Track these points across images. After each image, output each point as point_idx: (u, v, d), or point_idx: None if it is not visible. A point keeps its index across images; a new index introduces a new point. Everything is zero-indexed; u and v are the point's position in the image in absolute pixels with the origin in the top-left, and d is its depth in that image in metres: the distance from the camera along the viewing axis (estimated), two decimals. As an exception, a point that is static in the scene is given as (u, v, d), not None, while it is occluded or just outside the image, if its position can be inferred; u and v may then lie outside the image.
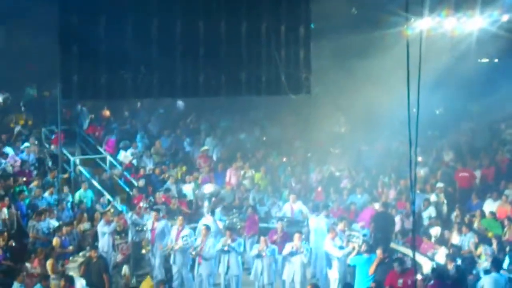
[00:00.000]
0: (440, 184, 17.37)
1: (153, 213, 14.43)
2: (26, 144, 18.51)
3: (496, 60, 22.58)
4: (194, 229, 14.55)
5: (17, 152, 18.19)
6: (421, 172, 18.20)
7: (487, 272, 11.64)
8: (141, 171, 18.75)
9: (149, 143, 21.14)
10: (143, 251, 14.35)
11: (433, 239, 14.59)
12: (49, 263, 12.49)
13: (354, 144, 21.32)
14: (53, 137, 19.36)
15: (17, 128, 19.77)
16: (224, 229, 14.36)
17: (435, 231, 15.11)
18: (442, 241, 14.53)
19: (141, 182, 17.86)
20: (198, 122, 23.33)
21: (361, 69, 19.52)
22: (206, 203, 16.54)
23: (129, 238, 14.84)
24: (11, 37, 20.11)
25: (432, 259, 13.46)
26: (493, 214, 15.39)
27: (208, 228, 13.63)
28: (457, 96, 21.31)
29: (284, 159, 20.54)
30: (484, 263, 12.68)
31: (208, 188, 16.83)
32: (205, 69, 15.20)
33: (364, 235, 14.26)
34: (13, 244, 13.96)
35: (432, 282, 11.16)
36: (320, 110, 21.52)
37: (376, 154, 20.84)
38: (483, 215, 15.40)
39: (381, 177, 18.89)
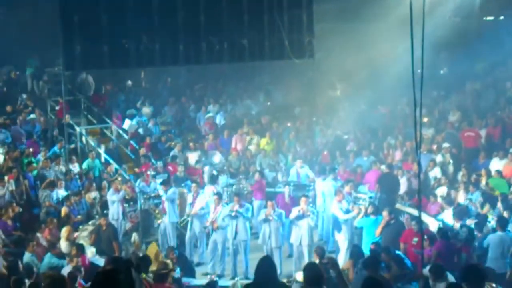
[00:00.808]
0: (445, 144, 17.36)
1: (161, 186, 14.49)
2: (32, 115, 18.55)
3: (501, 18, 22.29)
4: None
5: (23, 123, 18.24)
6: (427, 133, 18.18)
7: (493, 231, 11.70)
8: (147, 139, 18.81)
9: (154, 111, 21.15)
10: (158, 221, 14.46)
11: (439, 199, 14.66)
12: (65, 229, 12.63)
13: (359, 107, 21.28)
14: (57, 108, 19.37)
15: (22, 100, 19.79)
16: (231, 195, 14.49)
17: (441, 191, 15.17)
18: (448, 201, 14.59)
19: (143, 150, 17.94)
20: (203, 89, 23.29)
21: (364, 31, 19.34)
22: (206, 169, 16.72)
23: (138, 206, 14.98)
24: (12, 9, 19.97)
25: (438, 219, 13.55)
26: (499, 172, 15.41)
27: (220, 196, 13.74)
28: (462, 55, 21.12)
29: (289, 124, 20.55)
30: (492, 221, 12.74)
31: (216, 159, 16.95)
32: (207, 36, 15.15)
33: (370, 198, 14.35)
34: (23, 214, 14.11)
35: (437, 241, 11.22)
36: (324, 74, 21.44)
37: (381, 116, 20.82)
38: (489, 174, 15.43)
39: (388, 138, 18.90)
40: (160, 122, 20.56)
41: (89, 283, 9.61)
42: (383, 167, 16.22)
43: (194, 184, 14.69)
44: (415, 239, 11.51)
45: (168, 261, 10.53)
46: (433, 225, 13.03)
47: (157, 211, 14.65)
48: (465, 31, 20.83)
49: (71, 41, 13.88)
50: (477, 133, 18.17)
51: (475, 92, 21.11)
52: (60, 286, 7.32)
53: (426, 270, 9.18)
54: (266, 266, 6.82)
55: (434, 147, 17.66)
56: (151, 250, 12.52)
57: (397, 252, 10.92)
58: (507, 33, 19.96)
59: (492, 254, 11.01)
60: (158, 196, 14.56)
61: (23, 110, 19.06)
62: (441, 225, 12.86)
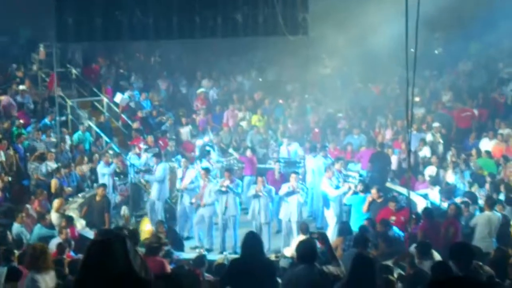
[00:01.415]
0: (436, 124, 17.43)
1: (153, 159, 14.49)
2: (22, 86, 18.41)
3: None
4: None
5: (13, 94, 18.11)
6: (418, 112, 18.25)
7: (480, 210, 11.81)
8: (138, 113, 18.75)
9: (146, 86, 21.06)
10: (150, 196, 14.49)
11: (428, 179, 14.75)
12: (57, 201, 12.65)
13: (351, 85, 21.29)
14: (48, 80, 19.24)
15: (13, 71, 19.62)
16: (222, 170, 14.52)
17: (430, 170, 15.27)
18: (437, 180, 14.70)
19: (137, 124, 17.91)
20: (195, 64, 23.18)
21: (359, 9, 19.25)
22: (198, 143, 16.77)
23: (129, 180, 14.99)
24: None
25: (426, 198, 13.66)
26: (488, 153, 15.51)
27: (207, 171, 13.75)
28: (455, 35, 21.11)
29: (281, 101, 20.54)
30: (479, 201, 12.84)
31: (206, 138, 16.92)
32: (201, 10, 15.06)
33: (361, 175, 14.43)
34: (13, 186, 14.10)
35: (422, 221, 11.32)
36: (317, 52, 21.36)
37: (373, 95, 20.84)
38: (478, 154, 15.53)
39: (378, 117, 18.95)
40: (151, 96, 20.45)
41: (80, 254, 9.68)
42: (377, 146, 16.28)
43: (183, 159, 14.62)
44: (393, 218, 11.60)
45: (161, 235, 10.62)
46: (421, 204, 13.13)
47: (146, 185, 14.67)
48: (459, 11, 20.77)
49: (63, 13, 13.79)
50: (473, 113, 18.24)
51: (467, 72, 21.15)
52: (42, 257, 7.40)
53: (412, 249, 9.26)
54: (251, 241, 6.88)
55: (424, 126, 17.72)
56: (144, 225, 12.58)
57: (394, 228, 11.02)
58: (502, 13, 19.91)
59: (479, 233, 11.10)
60: (149, 170, 14.52)
61: (14, 81, 18.91)
62: (428, 204, 12.97)
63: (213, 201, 13.32)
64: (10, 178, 14.12)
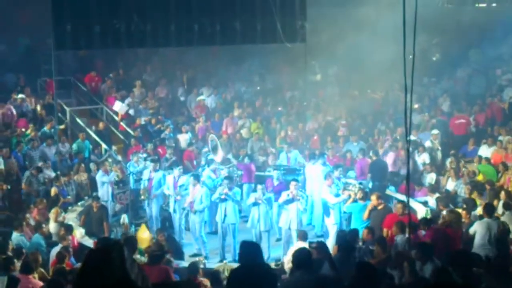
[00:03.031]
0: (435, 131, 17.45)
1: (151, 164, 14.49)
2: (21, 95, 18.41)
3: (494, 5, 22.32)
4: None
5: (12, 103, 18.11)
6: (417, 119, 18.28)
7: (480, 217, 11.78)
8: (137, 121, 18.75)
9: (145, 93, 21.04)
10: (142, 197, 14.50)
11: (427, 185, 14.75)
12: (53, 211, 12.65)
13: (350, 92, 21.32)
14: (47, 87, 19.24)
15: (12, 80, 19.62)
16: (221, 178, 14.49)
17: (430, 177, 15.27)
18: (437, 187, 14.68)
19: (137, 132, 17.90)
20: (194, 72, 23.19)
21: (358, 16, 19.31)
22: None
23: (129, 188, 14.97)
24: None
25: (426, 205, 13.64)
26: (487, 159, 15.51)
27: (196, 178, 13.71)
28: (454, 42, 21.17)
29: (280, 108, 20.56)
30: (478, 208, 12.83)
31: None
32: (199, 18, 15.07)
33: (360, 183, 14.41)
34: (12, 194, 14.09)
35: (429, 230, 11.27)
36: (316, 59, 21.41)
37: (372, 102, 20.86)
38: (480, 161, 15.54)
39: (378, 124, 18.97)
40: (149, 105, 20.38)
41: (80, 263, 9.65)
42: (371, 154, 16.28)
43: (176, 170, 14.39)
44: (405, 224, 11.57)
45: (163, 243, 10.59)
46: (420, 212, 13.11)
47: (142, 190, 14.61)
48: (458, 18, 20.85)
49: (61, 21, 13.78)
50: (468, 120, 18.25)
51: (466, 78, 21.19)
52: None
53: (412, 253, 9.21)
54: (248, 250, 6.84)
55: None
56: (142, 232, 12.55)
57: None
58: (500, 20, 19.99)
59: (478, 240, 11.07)
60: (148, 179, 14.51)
61: (14, 89, 18.91)
62: (428, 212, 12.94)
63: (204, 207, 13.30)
64: (9, 186, 14.09)
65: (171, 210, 14.20)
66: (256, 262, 6.73)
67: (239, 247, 7.02)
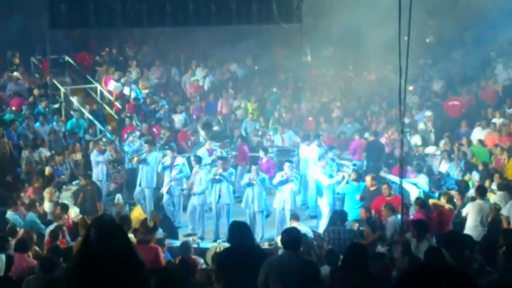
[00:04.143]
0: (428, 113, 17.49)
1: (145, 145, 14.46)
2: (16, 73, 18.33)
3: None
4: (188, 158, 14.60)
5: (7, 81, 18.03)
6: (411, 101, 18.31)
7: (472, 199, 11.87)
8: (132, 101, 18.70)
9: (140, 73, 20.97)
10: (133, 160, 14.41)
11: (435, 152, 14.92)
12: (47, 191, 12.66)
13: (344, 73, 21.30)
14: (41, 66, 19.14)
15: (9, 58, 19.49)
16: (215, 159, 14.51)
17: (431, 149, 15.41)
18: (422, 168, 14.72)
19: (130, 112, 17.85)
20: (189, 52, 23.11)
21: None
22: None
23: (124, 167, 14.97)
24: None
25: (419, 186, 13.71)
26: (481, 142, 15.58)
27: (198, 159, 13.74)
28: (449, 24, 21.12)
29: (275, 89, 20.54)
30: (471, 190, 12.92)
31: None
32: (195, -3, 14.98)
33: (354, 165, 14.48)
34: (6, 173, 14.07)
35: (417, 212, 11.37)
36: (311, 40, 21.33)
37: (367, 83, 20.85)
38: (469, 143, 15.61)
39: (372, 106, 18.99)
40: (140, 85, 20.26)
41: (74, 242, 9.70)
42: (367, 135, 16.34)
43: (169, 150, 14.30)
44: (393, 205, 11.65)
45: (154, 223, 10.64)
46: (413, 193, 13.18)
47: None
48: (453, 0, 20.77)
49: (56, -1, 13.70)
50: (462, 102, 18.29)
51: (461, 60, 21.18)
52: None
53: (407, 235, 9.29)
54: (238, 230, 6.89)
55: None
56: (136, 212, 12.60)
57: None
58: (495, 2, 19.92)
59: (471, 222, 11.17)
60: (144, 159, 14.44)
61: (9, 68, 18.81)
62: (421, 193, 13.02)
63: (204, 189, 13.34)
64: (2, 167, 14.06)
65: (164, 191, 14.13)
66: (245, 243, 6.78)
67: (229, 227, 7.08)
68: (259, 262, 6.50)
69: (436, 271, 2.54)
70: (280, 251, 10.24)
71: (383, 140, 16.15)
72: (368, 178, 12.56)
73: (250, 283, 6.27)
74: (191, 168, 13.91)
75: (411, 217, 11.20)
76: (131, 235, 9.75)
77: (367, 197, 12.32)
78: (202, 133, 16.50)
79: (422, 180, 13.55)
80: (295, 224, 10.81)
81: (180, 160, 13.98)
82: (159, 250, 8.26)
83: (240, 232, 6.85)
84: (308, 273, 6.16)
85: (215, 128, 15.91)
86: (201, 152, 14.86)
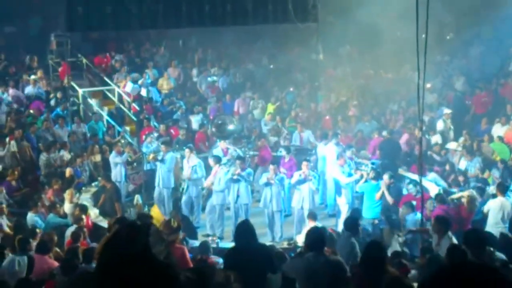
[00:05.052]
0: (447, 110, 17.36)
1: (162, 146, 14.51)
2: (34, 76, 18.49)
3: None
4: (205, 158, 14.63)
5: (25, 85, 18.20)
6: (430, 98, 18.18)
7: (493, 196, 11.77)
8: (149, 102, 18.78)
9: (157, 74, 21.06)
10: (149, 158, 14.46)
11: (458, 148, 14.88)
12: (68, 192, 12.75)
13: (362, 71, 21.21)
14: (60, 69, 19.30)
15: (26, 61, 19.68)
16: (234, 159, 14.52)
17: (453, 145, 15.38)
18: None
19: (148, 113, 17.93)
20: (206, 52, 23.16)
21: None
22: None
23: (143, 168, 15.03)
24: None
25: (438, 184, 13.64)
26: (501, 138, 15.44)
27: (217, 159, 13.76)
28: (467, 20, 20.95)
29: (292, 89, 20.51)
30: (492, 187, 12.81)
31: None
32: (210, -2, 14.97)
33: (373, 163, 14.42)
34: (26, 176, 14.22)
35: (436, 207, 11.33)
36: (327, 39, 21.26)
37: (384, 82, 20.75)
38: (491, 139, 15.48)
39: (390, 105, 18.89)
40: (160, 85, 20.38)
41: (94, 243, 9.75)
42: (384, 133, 16.26)
43: (187, 149, 14.25)
44: (414, 202, 11.63)
45: (176, 224, 10.63)
46: (433, 191, 13.11)
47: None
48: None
49: (73, 2, 13.75)
50: (490, 98, 18.21)
51: (479, 57, 21.01)
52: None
53: (431, 230, 9.20)
54: (242, 230, 6.89)
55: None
56: (153, 212, 12.63)
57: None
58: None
59: (492, 219, 11.08)
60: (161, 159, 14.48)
61: (27, 71, 18.98)
62: (441, 190, 12.95)
63: (223, 188, 13.35)
64: (23, 169, 14.20)
65: (183, 193, 14.15)
66: (249, 241, 6.78)
67: (236, 227, 7.09)
68: (264, 259, 6.51)
69: (471, 270, 2.49)
70: (299, 250, 10.31)
71: (404, 137, 16.04)
72: (385, 177, 12.50)
73: (255, 282, 6.27)
74: (207, 168, 13.94)
75: (430, 213, 11.16)
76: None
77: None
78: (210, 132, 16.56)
79: (433, 178, 13.52)
80: (312, 224, 10.78)
81: (195, 161, 13.98)
82: (185, 251, 8.21)
83: (244, 232, 6.86)
84: (336, 274, 6.15)
85: (230, 127, 15.86)
86: (217, 152, 14.88)
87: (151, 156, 14.35)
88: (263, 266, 6.51)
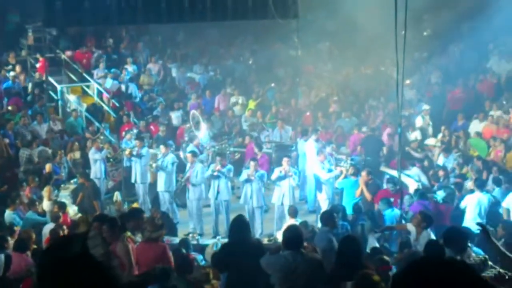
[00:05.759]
0: (425, 106, 17.48)
1: (136, 141, 14.46)
2: (12, 73, 18.28)
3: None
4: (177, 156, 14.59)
5: (2, 80, 17.98)
6: (409, 94, 18.28)
7: (471, 191, 11.87)
8: (128, 99, 18.67)
9: (137, 70, 20.92)
10: (126, 153, 14.43)
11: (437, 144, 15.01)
12: (46, 189, 12.65)
13: (342, 67, 21.26)
14: (38, 65, 19.09)
15: (4, 57, 19.45)
16: (214, 155, 14.50)
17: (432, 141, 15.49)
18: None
19: (128, 109, 17.83)
20: (186, 48, 23.06)
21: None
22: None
23: (122, 165, 14.96)
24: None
25: (419, 180, 13.72)
26: (478, 134, 15.57)
27: (194, 154, 13.73)
28: (445, 17, 21.07)
29: (272, 85, 20.51)
30: (469, 182, 12.92)
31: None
32: (190, -7, 14.89)
33: (352, 159, 14.47)
34: (4, 173, 14.06)
35: (415, 202, 11.41)
36: (307, 35, 21.27)
37: (364, 78, 20.81)
38: (467, 136, 15.62)
39: (370, 100, 18.96)
40: (142, 80, 20.28)
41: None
42: (364, 129, 16.33)
43: (162, 146, 14.25)
44: (391, 199, 11.68)
45: (159, 222, 10.58)
46: (412, 186, 13.19)
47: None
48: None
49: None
50: (464, 94, 18.35)
51: (457, 53, 21.16)
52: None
53: (409, 225, 9.27)
54: (238, 225, 6.89)
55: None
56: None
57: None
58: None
59: (469, 214, 11.18)
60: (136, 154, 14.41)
61: (4, 67, 18.76)
62: (420, 186, 13.04)
63: (200, 182, 13.31)
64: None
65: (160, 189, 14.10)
66: (245, 237, 6.79)
67: (232, 221, 7.09)
68: (258, 255, 6.51)
69: (440, 264, 2.50)
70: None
71: (386, 132, 16.12)
72: (363, 173, 12.55)
73: (250, 276, 6.28)
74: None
75: (408, 208, 11.25)
76: (128, 234, 9.71)
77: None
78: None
79: (415, 173, 13.62)
80: (292, 221, 10.78)
81: (168, 157, 13.93)
82: (167, 249, 8.19)
83: (240, 227, 6.87)
84: (314, 272, 6.16)
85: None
86: (190, 149, 14.81)
87: (128, 151, 14.28)
88: (258, 260, 6.52)
